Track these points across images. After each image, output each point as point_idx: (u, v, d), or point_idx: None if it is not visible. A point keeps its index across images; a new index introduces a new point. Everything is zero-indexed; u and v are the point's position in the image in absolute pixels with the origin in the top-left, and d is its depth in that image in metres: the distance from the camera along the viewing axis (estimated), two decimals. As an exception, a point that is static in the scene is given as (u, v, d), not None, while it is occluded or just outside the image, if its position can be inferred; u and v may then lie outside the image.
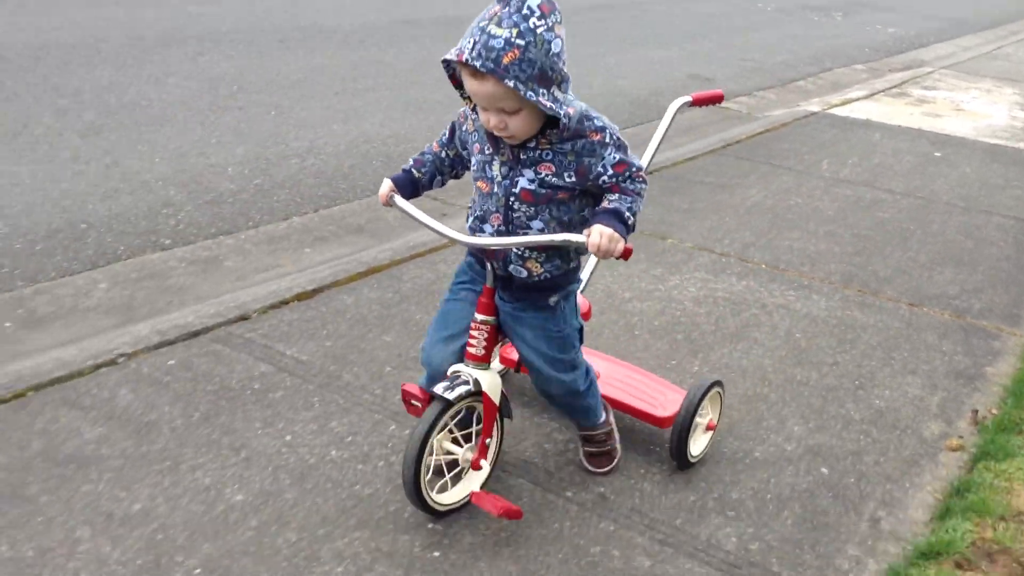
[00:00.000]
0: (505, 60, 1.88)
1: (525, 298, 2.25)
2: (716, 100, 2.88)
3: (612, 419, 2.56)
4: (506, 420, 2.35)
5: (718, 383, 2.67)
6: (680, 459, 2.58)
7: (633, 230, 2.09)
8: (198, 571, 2.08)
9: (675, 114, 2.76)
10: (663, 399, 2.65)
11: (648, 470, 2.60)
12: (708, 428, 2.66)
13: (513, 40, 1.88)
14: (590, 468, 2.55)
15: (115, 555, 2.10)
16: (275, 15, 9.17)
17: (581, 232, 2.06)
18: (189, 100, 6.04)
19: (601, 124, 2.08)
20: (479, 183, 2.18)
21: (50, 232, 3.94)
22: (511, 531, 2.31)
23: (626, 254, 2.03)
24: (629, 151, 2.10)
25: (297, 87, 6.70)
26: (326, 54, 7.84)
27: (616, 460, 2.57)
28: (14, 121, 5.21)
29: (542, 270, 2.19)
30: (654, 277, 3.93)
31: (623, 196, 2.08)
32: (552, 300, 2.26)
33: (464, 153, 2.26)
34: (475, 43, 1.90)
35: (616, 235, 1.99)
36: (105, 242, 3.93)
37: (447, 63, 2.00)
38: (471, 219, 2.24)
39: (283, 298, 3.38)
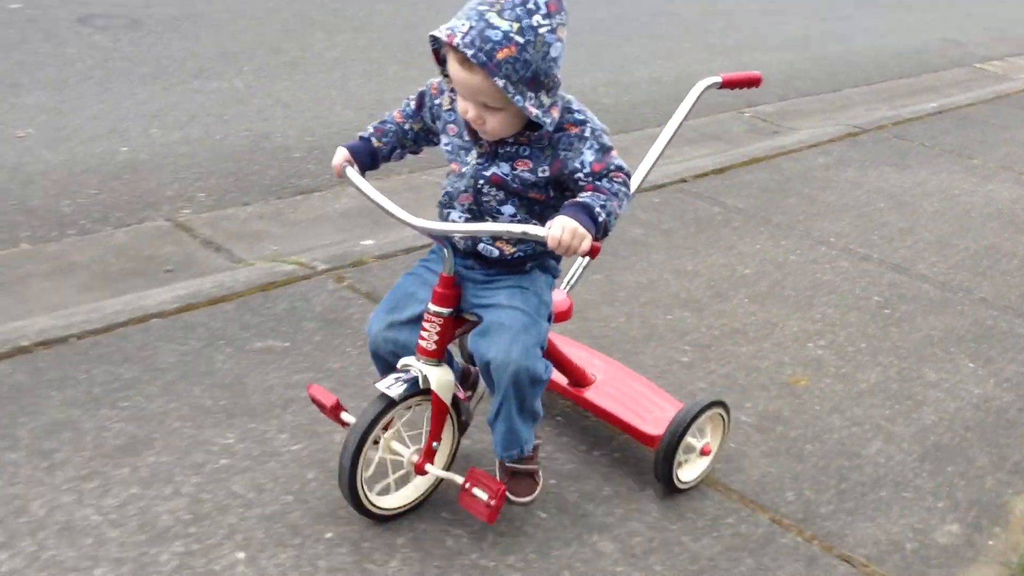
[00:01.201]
0: (499, 55, 1.72)
1: (499, 268, 2.06)
2: (752, 83, 2.56)
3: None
4: (465, 424, 2.21)
5: (718, 403, 2.35)
6: (665, 483, 2.32)
7: (605, 231, 1.86)
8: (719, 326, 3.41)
9: (699, 95, 2.52)
10: (659, 414, 2.36)
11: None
12: (703, 453, 2.37)
13: (512, 35, 1.72)
14: (512, 496, 2.20)
15: (690, 287, 3.46)
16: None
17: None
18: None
19: (582, 118, 1.92)
20: (452, 164, 2.03)
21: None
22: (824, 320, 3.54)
23: (593, 252, 1.80)
24: (613, 152, 1.93)
25: (610, 31, 8.02)
26: (622, 6, 9.14)
27: (539, 488, 2.26)
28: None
29: (514, 249, 2.02)
30: (973, 183, 5.03)
31: (597, 194, 1.87)
32: (528, 266, 2.08)
33: (434, 126, 2.08)
34: (471, 28, 1.73)
35: (580, 230, 1.77)
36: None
37: (435, 40, 1.84)
38: (442, 195, 2.08)
39: (704, 171, 4.69)
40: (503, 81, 1.73)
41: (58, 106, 4.61)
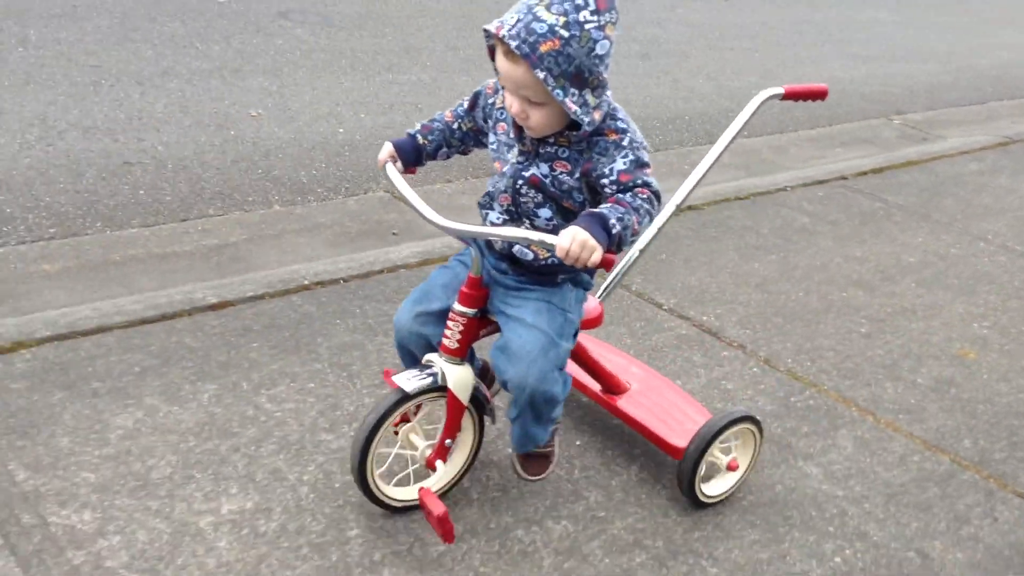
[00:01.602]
0: (543, 48, 1.72)
1: (531, 276, 2.08)
2: (816, 96, 2.46)
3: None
4: (487, 422, 2.22)
5: (748, 419, 2.31)
6: (690, 496, 2.31)
7: (619, 245, 1.83)
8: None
9: (759, 106, 2.43)
10: (689, 426, 2.34)
11: None
12: (729, 468, 2.35)
13: (557, 29, 1.72)
14: (522, 473, 2.33)
15: (860, 270, 3.80)
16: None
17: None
18: (692, 40, 7.84)
19: (624, 127, 1.91)
20: (496, 163, 2.05)
21: (666, 119, 5.82)
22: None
23: (605, 264, 1.79)
24: (647, 170, 1.90)
25: (757, 37, 8.33)
26: (766, 11, 9.42)
27: (552, 465, 2.38)
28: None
29: (548, 255, 2.01)
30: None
31: (616, 206, 1.83)
32: (560, 278, 2.09)
33: (484, 126, 2.10)
34: (518, 21, 1.74)
35: (591, 242, 1.74)
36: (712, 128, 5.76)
37: (487, 34, 1.84)
38: (483, 195, 2.11)
39: (863, 170, 5.00)
40: (544, 73, 1.74)
41: (279, 90, 5.21)
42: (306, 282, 3.18)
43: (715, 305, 3.38)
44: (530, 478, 2.34)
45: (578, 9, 1.73)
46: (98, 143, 4.20)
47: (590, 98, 1.81)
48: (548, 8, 1.73)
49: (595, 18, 1.74)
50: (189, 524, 2.11)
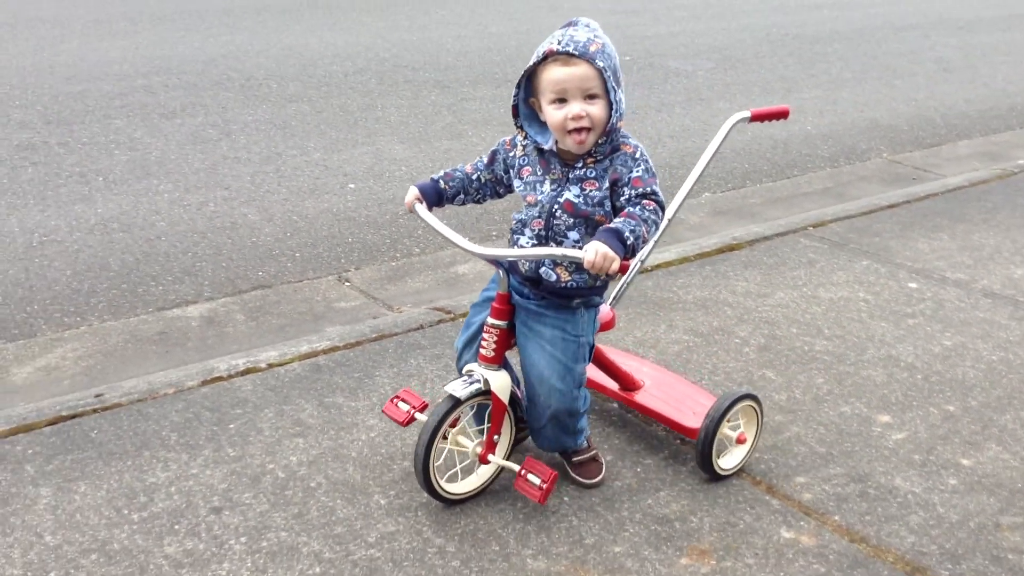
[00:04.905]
0: (592, 48, 2.15)
1: (550, 299, 2.38)
2: (779, 116, 2.77)
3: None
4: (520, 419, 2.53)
5: (749, 396, 2.61)
6: (707, 471, 2.58)
7: (632, 252, 2.17)
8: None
9: (730, 129, 2.72)
10: (699, 410, 2.64)
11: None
12: (739, 441, 2.62)
13: (594, 38, 2.18)
14: (582, 480, 2.58)
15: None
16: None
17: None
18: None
19: (634, 142, 2.29)
20: (527, 197, 2.36)
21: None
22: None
23: (622, 270, 2.15)
24: (655, 181, 2.27)
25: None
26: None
27: (604, 468, 2.62)
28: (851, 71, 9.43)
29: (570, 278, 2.34)
30: None
31: (628, 219, 2.19)
32: (575, 303, 2.40)
33: (505, 178, 2.44)
34: (561, 40, 2.18)
35: (611, 253, 2.10)
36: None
37: (518, 89, 2.27)
38: (514, 222, 2.39)
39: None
40: (602, 63, 2.16)
41: (828, 95, 8.08)
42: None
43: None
44: (587, 482, 2.60)
45: (594, 31, 2.24)
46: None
47: (622, 99, 2.24)
48: (575, 31, 2.23)
49: (607, 38, 2.23)
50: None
